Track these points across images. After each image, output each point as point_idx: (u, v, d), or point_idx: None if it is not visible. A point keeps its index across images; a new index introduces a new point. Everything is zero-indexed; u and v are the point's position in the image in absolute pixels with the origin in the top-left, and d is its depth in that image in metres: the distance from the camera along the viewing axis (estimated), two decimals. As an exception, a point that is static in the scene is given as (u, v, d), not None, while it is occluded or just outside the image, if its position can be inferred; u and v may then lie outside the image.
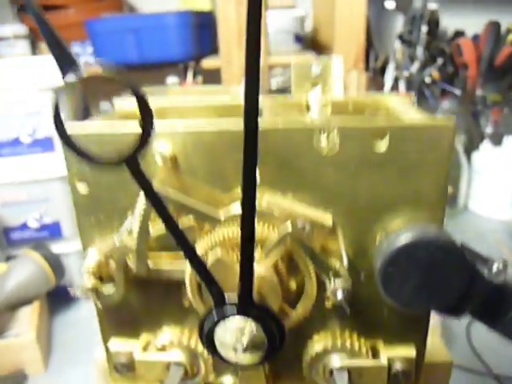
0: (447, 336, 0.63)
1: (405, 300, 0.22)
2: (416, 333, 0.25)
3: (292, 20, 1.13)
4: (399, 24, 1.21)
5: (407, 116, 0.24)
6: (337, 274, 0.21)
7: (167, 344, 0.26)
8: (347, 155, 0.21)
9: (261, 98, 0.17)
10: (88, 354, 0.33)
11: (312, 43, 1.20)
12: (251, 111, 0.18)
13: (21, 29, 1.11)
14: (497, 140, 1.01)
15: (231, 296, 0.20)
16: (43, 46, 1.17)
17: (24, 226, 0.66)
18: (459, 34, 1.21)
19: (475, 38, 1.19)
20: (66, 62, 0.15)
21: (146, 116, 0.15)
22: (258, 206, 0.22)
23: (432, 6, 1.15)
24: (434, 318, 0.61)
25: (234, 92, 0.30)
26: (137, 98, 0.15)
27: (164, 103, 0.29)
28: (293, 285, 0.23)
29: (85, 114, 1.01)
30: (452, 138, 0.20)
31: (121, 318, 0.27)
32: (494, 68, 1.09)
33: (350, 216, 0.22)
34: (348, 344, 0.24)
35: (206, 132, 0.21)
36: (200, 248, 0.22)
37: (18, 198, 0.63)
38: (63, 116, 0.16)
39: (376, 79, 1.09)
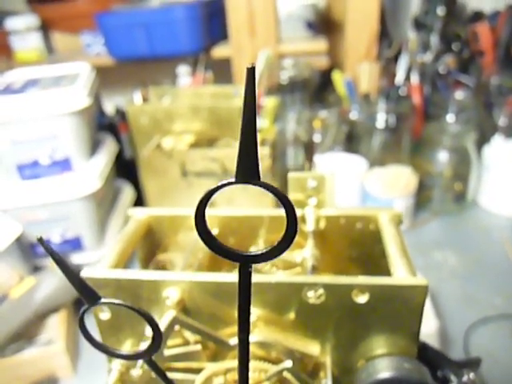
0: (444, 342, 0.66)
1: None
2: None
3: (303, 6, 1.11)
4: (415, 6, 1.18)
5: (391, 252, 0.26)
6: (323, 397, 0.25)
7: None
8: (331, 304, 0.23)
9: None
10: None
11: (324, 30, 1.18)
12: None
13: (33, 20, 1.11)
14: (509, 133, 1.01)
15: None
16: (56, 37, 1.17)
17: (48, 242, 0.70)
18: (477, 15, 1.17)
19: (494, 17, 1.15)
20: (89, 295, 0.18)
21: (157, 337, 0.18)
22: (257, 338, 0.25)
23: (450, -14, 1.11)
24: (431, 324, 0.65)
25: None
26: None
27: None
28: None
29: (98, 110, 1.03)
30: (424, 295, 0.23)
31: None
32: (510, 56, 1.07)
33: (335, 346, 0.25)
34: None
35: (208, 282, 0.24)
36: (208, 371, 0.25)
37: (41, 217, 0.68)
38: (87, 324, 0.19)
39: (388, 69, 1.08)
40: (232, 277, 0.24)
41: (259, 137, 0.84)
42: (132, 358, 0.19)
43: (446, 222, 0.96)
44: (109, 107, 1.13)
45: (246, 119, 0.13)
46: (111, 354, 0.19)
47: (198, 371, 0.26)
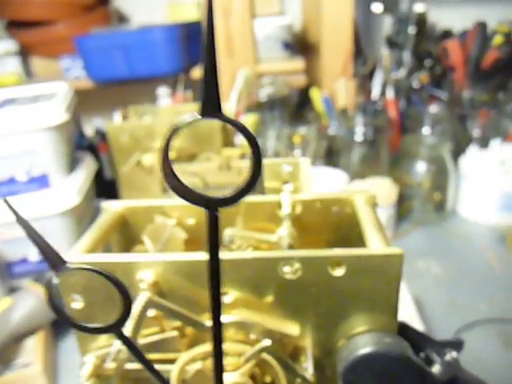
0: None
1: (364, 398, 0.25)
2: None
3: (280, 27, 1.14)
4: (387, 26, 1.22)
5: (367, 228, 0.26)
6: (304, 380, 0.24)
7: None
8: (308, 280, 0.23)
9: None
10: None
11: (301, 49, 1.21)
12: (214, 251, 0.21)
13: (12, 45, 1.11)
14: (483, 143, 1.03)
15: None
16: (35, 61, 1.17)
17: (25, 260, 0.69)
18: (447, 34, 1.22)
19: (463, 35, 1.20)
20: (55, 261, 0.17)
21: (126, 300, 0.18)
22: (235, 318, 0.25)
23: (419, 6, 1.16)
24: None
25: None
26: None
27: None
28: (267, 378, 0.26)
29: (78, 131, 1.03)
30: (401, 264, 0.23)
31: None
32: (480, 70, 1.11)
33: (315, 326, 0.25)
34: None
35: (181, 261, 0.24)
36: (183, 358, 0.25)
37: (18, 234, 0.66)
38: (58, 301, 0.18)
39: (364, 85, 1.11)
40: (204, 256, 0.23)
41: (239, 152, 0.84)
42: (102, 331, 0.18)
43: (427, 232, 0.97)
44: (89, 130, 1.13)
45: (207, 53, 0.13)
46: (78, 327, 0.18)
47: (175, 361, 0.25)
